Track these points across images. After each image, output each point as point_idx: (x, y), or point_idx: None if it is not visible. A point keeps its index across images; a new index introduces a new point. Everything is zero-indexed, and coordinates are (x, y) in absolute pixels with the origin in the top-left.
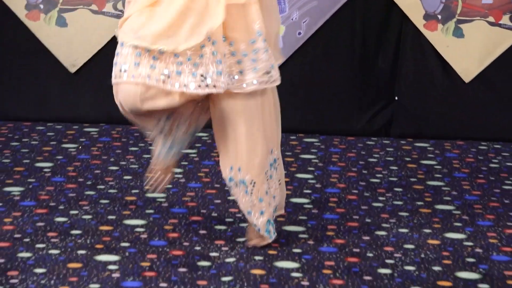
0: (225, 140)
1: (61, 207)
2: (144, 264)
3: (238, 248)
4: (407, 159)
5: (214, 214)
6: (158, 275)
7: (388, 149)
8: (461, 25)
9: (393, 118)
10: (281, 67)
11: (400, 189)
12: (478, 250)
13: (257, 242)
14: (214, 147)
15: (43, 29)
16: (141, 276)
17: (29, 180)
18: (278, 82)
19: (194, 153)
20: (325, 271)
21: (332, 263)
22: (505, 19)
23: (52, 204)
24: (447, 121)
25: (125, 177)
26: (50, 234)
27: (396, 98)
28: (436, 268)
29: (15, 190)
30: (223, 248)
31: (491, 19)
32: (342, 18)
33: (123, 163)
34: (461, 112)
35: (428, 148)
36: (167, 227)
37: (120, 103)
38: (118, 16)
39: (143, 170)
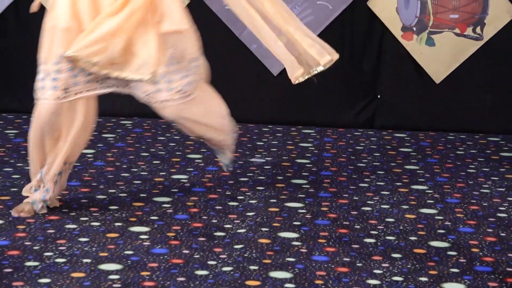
0: None
1: (101, 186)
2: (170, 234)
3: (248, 221)
4: (388, 147)
5: (228, 193)
6: (182, 243)
7: (372, 139)
8: (432, 36)
9: (376, 113)
10: (284, 70)
11: (382, 172)
12: (447, 223)
13: None
14: None
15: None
16: (167, 244)
17: (75, 164)
18: None
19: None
20: (320, 240)
21: (326, 233)
22: (469, 31)
23: (93, 184)
24: (421, 115)
25: (154, 162)
26: (92, 209)
27: (379, 96)
28: (413, 238)
29: None
30: (235, 221)
31: (457, 30)
32: (334, 29)
33: (153, 150)
34: (432, 107)
35: (405, 138)
36: (189, 203)
37: None
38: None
39: (169, 156)
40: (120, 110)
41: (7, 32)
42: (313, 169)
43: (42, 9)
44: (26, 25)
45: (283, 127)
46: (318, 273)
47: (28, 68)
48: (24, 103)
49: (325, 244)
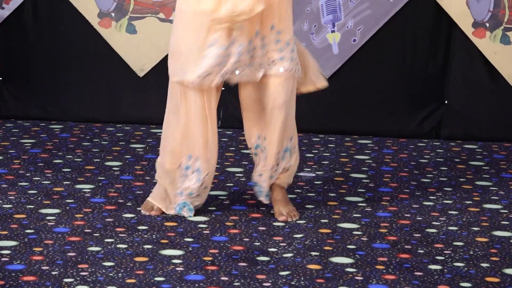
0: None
1: (129, 203)
2: (206, 258)
3: (295, 244)
4: (456, 160)
5: (272, 212)
6: (220, 269)
7: (438, 150)
8: (508, 33)
9: (442, 121)
10: (336, 72)
11: (449, 189)
12: None
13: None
14: None
15: (114, 35)
16: (203, 270)
17: (99, 178)
18: None
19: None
20: (378, 267)
21: (384, 259)
22: None
23: (120, 201)
24: (494, 124)
25: None
26: (118, 229)
27: (446, 102)
28: (484, 265)
29: (86, 187)
30: (281, 244)
31: None
32: (394, 25)
33: None
34: (508, 115)
35: (476, 150)
36: (228, 223)
37: None
38: None
39: None
40: (150, 117)
41: (27, 35)
42: (370, 184)
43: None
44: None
45: (336, 136)
46: None
47: (48, 72)
48: (43, 109)
49: (384, 271)
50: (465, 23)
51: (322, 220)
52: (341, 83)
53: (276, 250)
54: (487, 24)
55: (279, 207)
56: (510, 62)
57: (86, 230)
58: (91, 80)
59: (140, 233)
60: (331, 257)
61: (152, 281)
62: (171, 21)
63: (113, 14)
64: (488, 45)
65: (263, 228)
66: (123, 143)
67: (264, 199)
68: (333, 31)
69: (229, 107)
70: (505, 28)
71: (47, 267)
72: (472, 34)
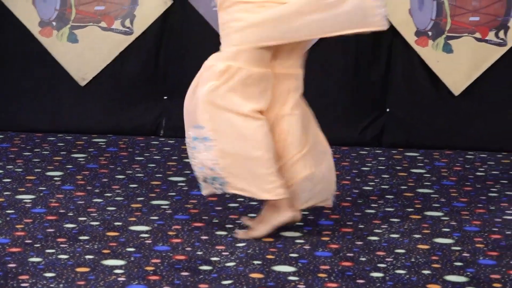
0: None
1: (70, 214)
2: (148, 268)
3: (238, 253)
4: (398, 168)
5: (215, 221)
6: (162, 278)
7: (380, 158)
8: (450, 41)
9: (384, 129)
10: None
11: (391, 197)
12: (465, 254)
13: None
14: None
15: (56, 45)
16: (145, 280)
17: (40, 188)
18: None
19: None
20: (320, 275)
21: (327, 267)
22: (491, 35)
23: (61, 211)
24: (435, 131)
25: (131, 185)
26: (60, 239)
27: (388, 110)
28: (426, 272)
29: (27, 198)
30: (224, 253)
31: (478, 35)
32: None
33: (129, 172)
34: (449, 123)
35: (418, 157)
36: (170, 233)
37: None
38: (126, 33)
39: (148, 178)
40: (92, 126)
41: None
42: None
43: None
44: None
45: None
46: None
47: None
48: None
49: (326, 279)
50: (407, 32)
51: None
52: None
53: (218, 259)
54: (430, 33)
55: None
56: (452, 70)
57: (26, 241)
58: (32, 89)
59: (81, 243)
60: (273, 265)
61: None
62: (113, 30)
63: (54, 23)
64: (431, 54)
65: (206, 237)
66: (65, 153)
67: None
68: None
69: (172, 115)
70: (447, 37)
71: None
72: (414, 42)
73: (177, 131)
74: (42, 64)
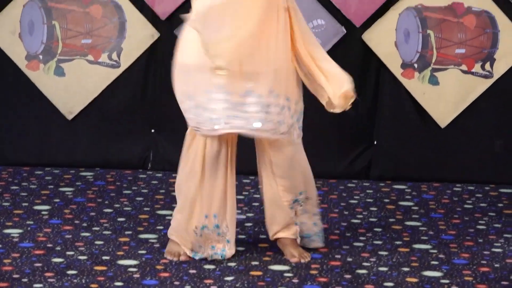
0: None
1: (58, 248)
2: None
3: (226, 287)
4: (386, 200)
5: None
6: None
7: (367, 191)
8: (436, 73)
9: (372, 161)
10: None
11: (379, 229)
12: (454, 287)
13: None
14: None
15: (42, 78)
16: None
17: (28, 222)
18: None
19: None
20: None
21: None
22: (477, 67)
23: (49, 245)
24: (423, 164)
25: (119, 219)
26: (47, 274)
27: (375, 142)
28: None
29: (14, 232)
30: (212, 287)
31: (464, 67)
32: None
33: (117, 205)
34: (436, 155)
35: (406, 190)
36: (158, 267)
37: None
38: (113, 66)
39: (135, 212)
40: (79, 160)
41: None
42: None
43: None
44: None
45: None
46: None
47: None
48: None
49: None
50: (393, 64)
51: (253, 262)
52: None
53: None
54: (416, 65)
55: (290, 250)
56: (439, 102)
57: (14, 276)
58: (19, 123)
59: (69, 277)
60: None
61: None
62: (100, 63)
63: (41, 57)
64: (417, 86)
65: (194, 271)
66: (52, 186)
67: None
68: None
69: (159, 149)
70: (433, 69)
71: None
72: (400, 74)
73: (165, 164)
74: (28, 98)
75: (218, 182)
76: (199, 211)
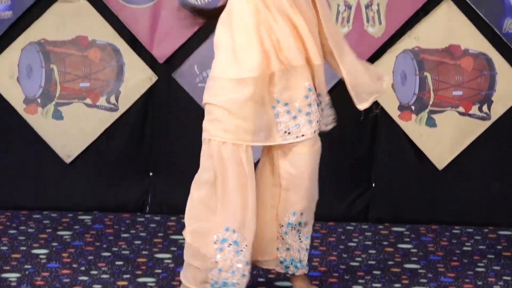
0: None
1: None
2: None
3: None
4: (385, 243)
5: None
6: None
7: (366, 233)
8: (433, 115)
9: (370, 204)
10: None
11: (378, 272)
12: None
13: None
14: None
15: (40, 122)
16: None
17: (26, 266)
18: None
19: (182, 239)
20: None
21: None
22: (474, 109)
23: None
24: (422, 206)
25: (117, 263)
26: None
27: (373, 184)
28: None
29: (12, 276)
30: None
31: (461, 109)
32: None
33: (115, 249)
34: (435, 197)
35: (405, 232)
36: None
37: None
38: (111, 109)
39: (134, 255)
40: (78, 203)
41: None
42: None
43: None
44: None
45: None
46: None
47: None
48: None
49: None
50: (391, 106)
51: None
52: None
53: None
54: (413, 107)
55: (301, 284)
56: (436, 145)
57: None
58: (17, 166)
59: None
60: None
61: None
62: (98, 107)
63: (39, 100)
64: (414, 128)
65: None
66: (50, 230)
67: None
68: None
69: (157, 192)
70: (431, 111)
71: None
72: (398, 116)
73: (163, 207)
74: (26, 141)
75: (244, 195)
76: (220, 222)
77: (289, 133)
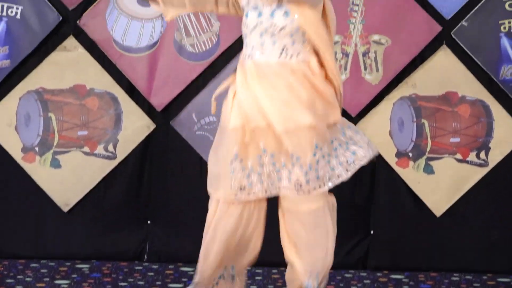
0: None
1: None
2: None
3: None
4: None
5: None
6: None
7: (365, 281)
8: (431, 162)
9: (369, 251)
10: None
11: None
12: None
13: None
14: None
15: (38, 170)
16: None
17: None
18: None
19: None
20: None
21: None
22: (472, 156)
23: None
24: (420, 253)
25: None
26: None
27: (372, 232)
28: None
29: None
30: None
31: (459, 156)
32: None
33: None
34: (433, 244)
35: (403, 280)
36: None
37: None
38: (109, 157)
39: None
40: (75, 252)
41: None
42: None
43: None
44: None
45: (263, 269)
46: None
47: None
48: None
49: None
50: (388, 153)
51: None
52: (267, 215)
53: None
54: (410, 154)
55: None
56: (434, 191)
57: None
58: (15, 215)
59: None
60: None
61: None
62: (96, 155)
63: (37, 149)
64: (412, 175)
65: None
66: (48, 279)
67: None
68: None
69: (154, 240)
70: (428, 158)
71: None
72: (395, 164)
73: (161, 256)
74: (24, 190)
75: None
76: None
77: (242, 189)
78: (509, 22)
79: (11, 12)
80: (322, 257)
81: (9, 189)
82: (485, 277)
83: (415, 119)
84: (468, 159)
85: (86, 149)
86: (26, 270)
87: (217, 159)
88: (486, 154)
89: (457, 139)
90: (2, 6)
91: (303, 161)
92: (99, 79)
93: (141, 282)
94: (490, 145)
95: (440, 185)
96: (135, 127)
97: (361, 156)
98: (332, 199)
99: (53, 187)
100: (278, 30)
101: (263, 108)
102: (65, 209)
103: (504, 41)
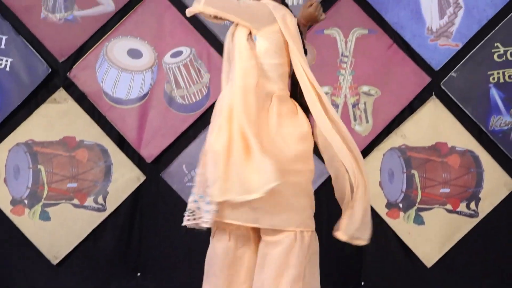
0: None
1: None
2: None
3: None
4: None
5: None
6: None
7: None
8: (421, 213)
9: None
10: None
11: None
12: None
13: None
14: None
15: (27, 223)
16: None
17: None
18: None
19: None
20: None
21: None
22: (462, 207)
23: None
24: None
25: None
26: None
27: (362, 283)
28: None
29: None
30: None
31: (449, 206)
32: None
33: None
34: None
35: None
36: None
37: None
38: (99, 210)
39: None
40: None
41: None
42: None
43: None
44: None
45: None
46: None
47: None
48: None
49: None
50: (378, 204)
51: None
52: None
53: None
54: (400, 205)
55: None
56: (424, 242)
57: None
58: (2, 269)
59: None
60: None
61: None
62: (85, 207)
63: (26, 201)
64: (402, 226)
65: None
66: None
67: None
68: None
69: None
70: (418, 209)
71: None
72: (386, 214)
73: None
74: (13, 243)
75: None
76: None
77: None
78: (497, 73)
79: (1, 64)
80: None
81: None
82: None
83: (405, 170)
84: (458, 209)
85: (76, 201)
86: None
87: None
88: (476, 205)
89: (447, 190)
90: None
91: None
92: (89, 131)
93: None
94: (480, 195)
95: (431, 236)
96: (125, 179)
97: None
98: None
99: (42, 240)
100: None
101: None
102: (54, 262)
103: (493, 91)
